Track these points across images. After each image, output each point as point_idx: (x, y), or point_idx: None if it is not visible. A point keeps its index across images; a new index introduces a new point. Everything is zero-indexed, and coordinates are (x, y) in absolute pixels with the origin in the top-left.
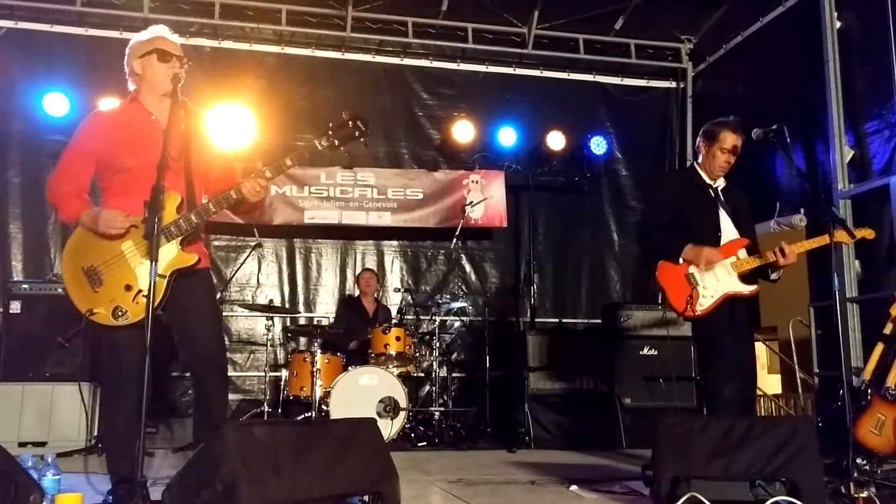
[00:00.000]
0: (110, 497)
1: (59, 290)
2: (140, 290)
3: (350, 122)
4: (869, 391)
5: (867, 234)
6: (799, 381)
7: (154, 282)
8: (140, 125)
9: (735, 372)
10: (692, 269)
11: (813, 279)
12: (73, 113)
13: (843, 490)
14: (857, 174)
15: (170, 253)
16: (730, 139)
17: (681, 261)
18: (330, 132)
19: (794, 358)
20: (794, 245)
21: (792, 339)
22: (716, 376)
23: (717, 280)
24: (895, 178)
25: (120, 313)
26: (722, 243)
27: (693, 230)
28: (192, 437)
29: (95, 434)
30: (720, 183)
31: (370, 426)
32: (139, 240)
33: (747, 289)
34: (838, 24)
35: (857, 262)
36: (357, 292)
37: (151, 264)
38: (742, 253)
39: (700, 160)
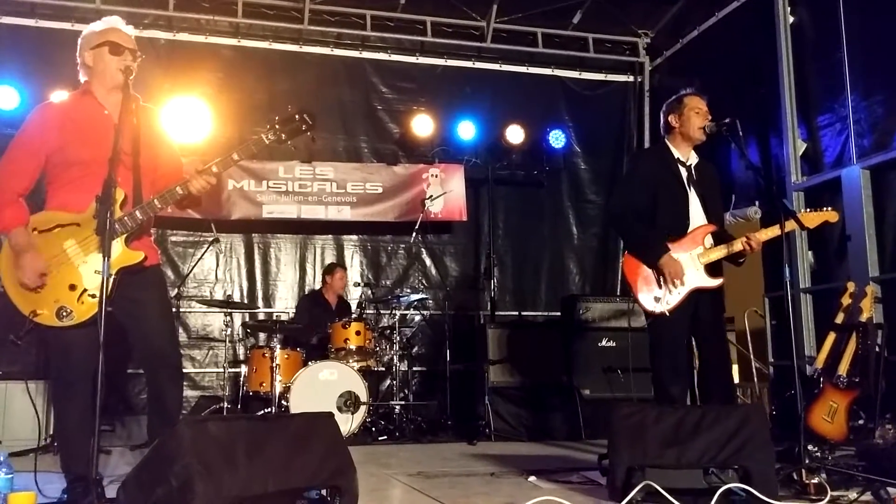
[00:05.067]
0: (65, 495)
1: None
2: (85, 290)
3: (297, 116)
4: (821, 379)
5: (830, 216)
6: (754, 370)
7: (105, 278)
8: (92, 118)
9: (710, 366)
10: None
11: (768, 270)
12: (23, 106)
13: (795, 476)
14: (810, 167)
15: (115, 251)
16: (696, 100)
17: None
18: (277, 126)
19: (750, 348)
20: (758, 233)
21: (748, 329)
22: (664, 374)
23: (683, 275)
24: (846, 171)
25: (65, 313)
26: (689, 230)
27: (662, 218)
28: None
29: (50, 432)
30: (693, 159)
31: (327, 420)
32: (81, 238)
33: (714, 282)
34: (791, 19)
35: (810, 253)
36: (319, 286)
37: (104, 259)
38: (708, 240)
39: (672, 137)
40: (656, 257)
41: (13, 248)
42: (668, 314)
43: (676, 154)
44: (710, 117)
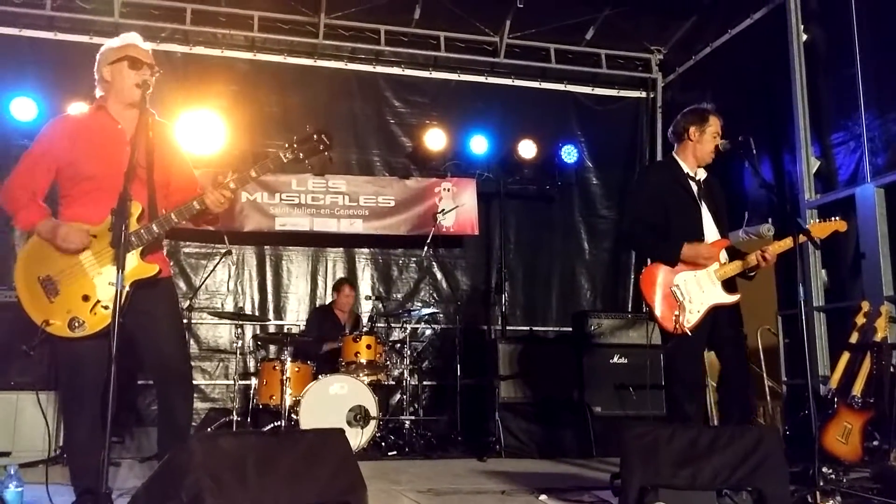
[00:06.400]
0: None
1: None
2: (98, 301)
3: (314, 136)
4: (835, 399)
5: (839, 226)
6: (767, 389)
7: (119, 290)
8: (106, 133)
9: (731, 382)
10: (677, 281)
11: (780, 288)
12: (41, 118)
13: (810, 499)
14: (824, 184)
15: (130, 263)
16: (718, 124)
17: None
18: (294, 145)
19: (763, 366)
20: (771, 246)
21: (760, 347)
22: (680, 391)
23: (702, 292)
24: (860, 189)
25: (77, 324)
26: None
27: (676, 233)
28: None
29: (60, 443)
30: (701, 174)
31: (338, 436)
32: (98, 249)
33: (731, 298)
34: (805, 37)
35: (823, 271)
36: (330, 300)
37: (118, 272)
38: (723, 256)
39: (683, 147)
40: (678, 250)
41: (44, 237)
42: (689, 333)
43: (685, 168)
44: (722, 138)
